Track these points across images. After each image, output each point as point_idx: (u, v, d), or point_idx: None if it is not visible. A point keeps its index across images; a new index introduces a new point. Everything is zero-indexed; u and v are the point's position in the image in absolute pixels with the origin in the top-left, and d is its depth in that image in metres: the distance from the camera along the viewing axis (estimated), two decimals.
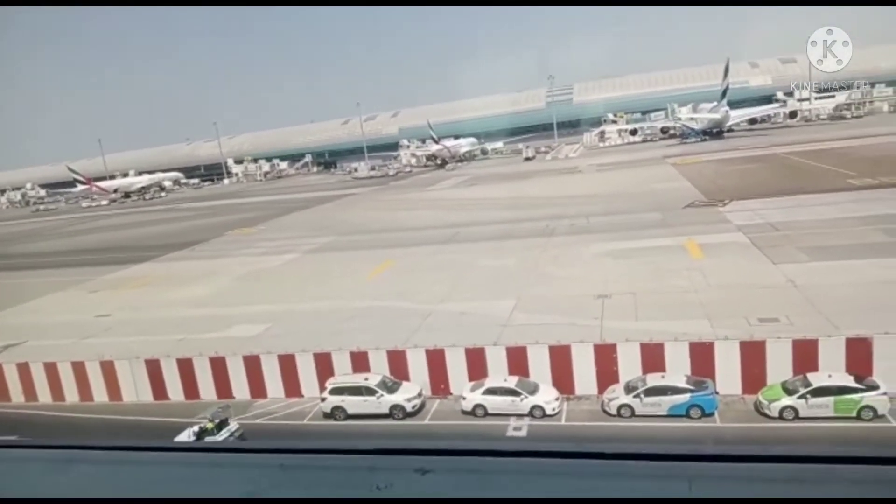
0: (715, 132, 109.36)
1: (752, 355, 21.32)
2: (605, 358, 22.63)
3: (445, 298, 32.75)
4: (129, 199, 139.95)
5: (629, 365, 22.20)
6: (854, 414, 19.25)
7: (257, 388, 25.72)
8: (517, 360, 23.43)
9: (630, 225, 44.86)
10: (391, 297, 34.19)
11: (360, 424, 22.98)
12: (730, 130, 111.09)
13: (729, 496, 1.74)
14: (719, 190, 54.66)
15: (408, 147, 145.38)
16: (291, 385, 25.41)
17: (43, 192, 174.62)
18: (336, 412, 23.44)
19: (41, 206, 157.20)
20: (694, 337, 22.56)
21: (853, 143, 74.54)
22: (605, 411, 21.48)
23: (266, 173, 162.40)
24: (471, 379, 23.35)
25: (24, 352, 31.30)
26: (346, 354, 25.01)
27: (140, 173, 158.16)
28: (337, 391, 23.54)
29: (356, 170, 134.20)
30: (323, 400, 23.71)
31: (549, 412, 21.70)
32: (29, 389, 28.20)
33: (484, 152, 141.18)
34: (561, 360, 22.99)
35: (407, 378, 24.17)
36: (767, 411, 19.94)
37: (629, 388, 21.24)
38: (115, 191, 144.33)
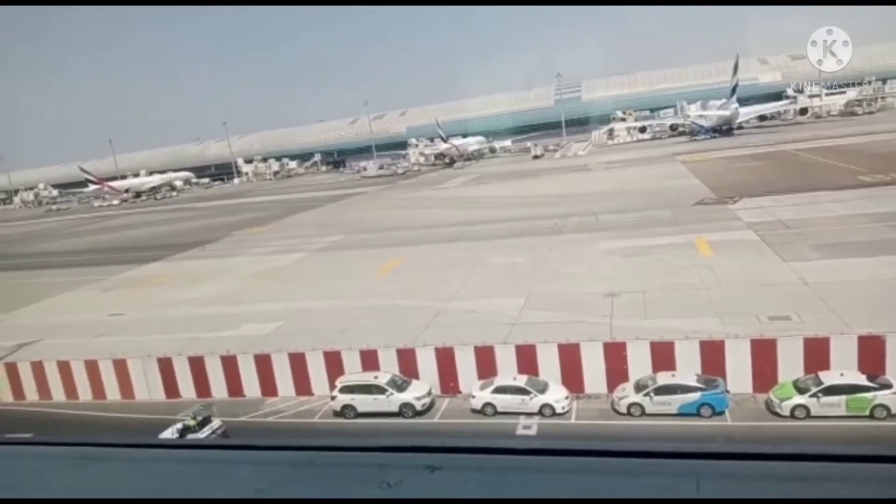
0: (724, 129, 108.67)
1: (763, 353, 21.23)
2: (615, 356, 22.59)
3: (454, 296, 32.77)
4: (140, 199, 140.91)
5: (639, 363, 22.16)
6: (867, 413, 19.12)
7: (268, 387, 25.88)
8: (526, 359, 23.44)
9: (639, 222, 44.69)
10: (400, 295, 34.26)
11: (370, 423, 23.07)
12: (739, 127, 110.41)
13: (738, 495, 1.73)
14: (729, 187, 54.35)
15: (416, 146, 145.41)
16: (302, 383, 25.55)
17: (55, 193, 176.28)
18: (346, 410, 23.54)
19: (54, 206, 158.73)
20: (704, 335, 22.48)
21: (864, 140, 73.90)
22: (615, 410, 21.45)
23: (276, 172, 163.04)
24: (480, 377, 23.39)
25: (38, 350, 31.62)
26: (356, 353, 25.11)
27: (151, 173, 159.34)
28: (347, 389, 23.64)
29: (365, 169, 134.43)
30: (333, 398, 23.81)
31: (558, 411, 21.70)
32: (43, 387, 28.52)
33: (492, 150, 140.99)
34: (570, 358, 22.99)
35: (416, 376, 24.25)
36: (779, 410, 19.84)
37: (639, 387, 21.20)
38: (127, 191, 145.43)
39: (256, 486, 1.99)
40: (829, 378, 19.77)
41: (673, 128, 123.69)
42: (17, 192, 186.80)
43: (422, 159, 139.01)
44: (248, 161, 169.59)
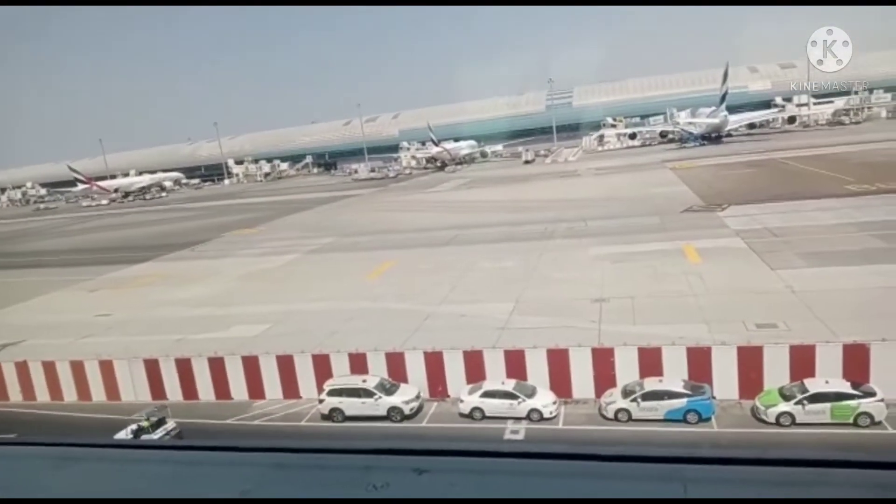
0: (714, 137, 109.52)
1: (750, 360, 21.38)
2: (603, 362, 22.67)
3: (444, 300, 32.81)
4: (129, 199, 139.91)
5: (627, 369, 22.25)
6: (851, 420, 19.30)
7: (256, 389, 25.74)
8: (515, 364, 23.48)
9: (628, 229, 44.94)
10: (391, 298, 34.25)
11: (358, 426, 23.01)
12: (728, 135, 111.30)
13: (723, 497, 1.75)
14: (717, 194, 54.78)
15: (408, 149, 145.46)
16: (290, 386, 25.44)
17: (43, 191, 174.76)
18: (334, 414, 23.47)
19: (41, 205, 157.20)
20: (692, 341, 22.63)
21: (851, 149, 74.73)
22: (602, 415, 21.53)
23: (267, 174, 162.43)
24: (469, 382, 23.40)
25: (23, 351, 31.31)
26: (344, 356, 25.05)
27: (141, 173, 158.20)
28: (335, 393, 23.57)
29: (356, 171, 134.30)
30: (321, 401, 23.73)
31: (546, 416, 21.74)
32: (27, 388, 28.21)
33: (484, 155, 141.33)
34: (559, 363, 23.05)
35: (405, 380, 24.21)
36: (764, 417, 19.98)
37: (627, 393, 21.30)
38: (116, 190, 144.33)
39: (242, 486, 1.99)
40: (814, 386, 19.94)
41: (662, 135, 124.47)
42: (4, 190, 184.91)
43: (413, 163, 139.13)
44: (239, 162, 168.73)
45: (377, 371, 24.39)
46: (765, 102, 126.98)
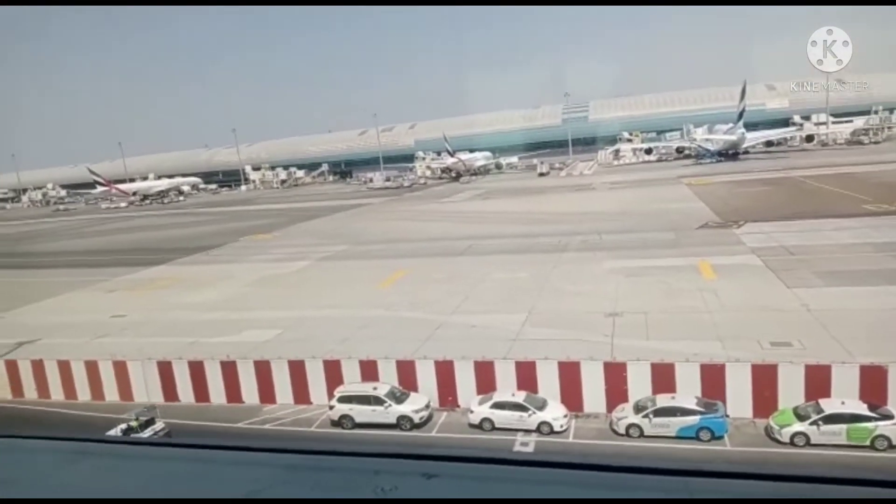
0: (730, 154, 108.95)
1: (764, 379, 21.13)
2: (615, 376, 22.52)
3: (457, 310, 32.78)
4: (147, 202, 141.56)
5: (639, 384, 22.07)
6: (867, 443, 18.98)
7: (267, 394, 25.83)
8: (526, 375, 23.38)
9: (643, 244, 44.72)
10: (403, 306, 34.28)
11: (368, 434, 22.99)
12: (745, 152, 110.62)
13: None
14: (734, 211, 54.38)
15: (423, 159, 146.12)
16: (301, 391, 25.50)
17: (63, 193, 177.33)
18: (343, 420, 23.46)
19: (61, 207, 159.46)
20: (705, 358, 22.43)
21: (870, 169, 73.97)
22: (613, 430, 21.34)
23: (283, 181, 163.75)
24: (479, 392, 23.32)
25: (38, 349, 31.68)
26: (355, 363, 25.08)
27: (159, 177, 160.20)
28: (345, 399, 23.58)
29: (371, 180, 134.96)
30: (331, 408, 23.75)
31: (556, 429, 21.59)
32: (42, 386, 28.51)
33: (498, 167, 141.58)
34: (570, 376, 22.92)
35: (415, 389, 24.18)
36: (778, 436, 19.72)
37: (638, 408, 21.11)
38: (135, 193, 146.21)
39: (250, 487, 2.01)
40: (829, 406, 19.65)
41: (679, 150, 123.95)
42: (25, 190, 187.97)
43: (428, 173, 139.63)
44: (256, 168, 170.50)
45: (388, 379, 24.38)
46: (782, 120, 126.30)
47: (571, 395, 22.73)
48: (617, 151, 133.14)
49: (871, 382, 20.19)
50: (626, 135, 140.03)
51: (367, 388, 23.85)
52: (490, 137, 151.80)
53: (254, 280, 45.49)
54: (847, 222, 44.69)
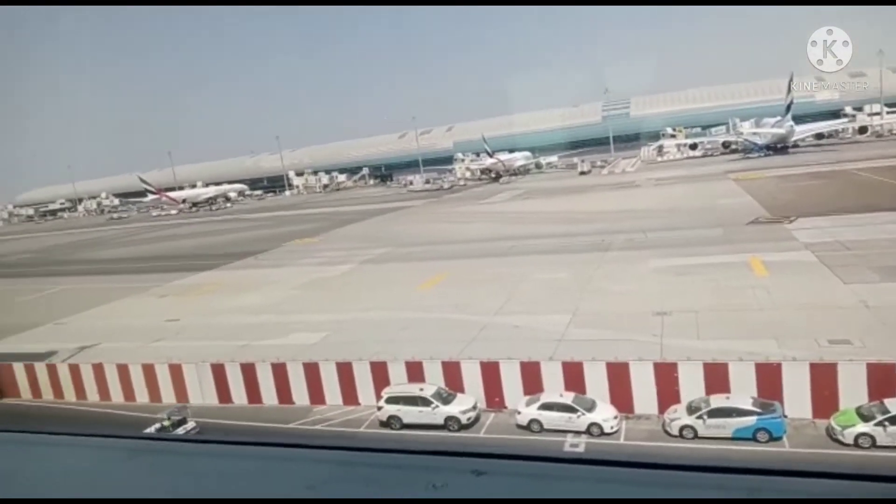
0: (779, 147, 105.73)
1: (823, 378, 20.39)
2: (666, 377, 22.07)
3: (499, 311, 32.70)
4: (196, 209, 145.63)
5: (691, 385, 21.57)
6: None
7: (316, 395, 26.23)
8: (573, 376, 23.13)
9: (690, 241, 43.77)
10: (446, 308, 34.38)
11: (416, 434, 23.10)
12: (795, 146, 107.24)
13: None
14: (784, 206, 52.72)
15: (462, 160, 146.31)
16: (349, 392, 25.82)
17: (116, 202, 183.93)
18: (392, 421, 23.65)
19: (114, 215, 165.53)
20: (760, 357, 21.82)
21: None
22: (666, 432, 20.92)
23: (325, 186, 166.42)
24: (526, 393, 23.18)
25: (98, 353, 32.95)
26: (401, 364, 25.25)
27: (207, 184, 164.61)
28: (393, 400, 23.76)
29: (411, 183, 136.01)
30: (379, 409, 23.97)
31: (607, 430, 21.31)
32: (103, 389, 29.60)
33: (538, 166, 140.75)
34: (619, 377, 22.57)
35: (462, 390, 24.20)
36: (841, 437, 19.00)
37: (692, 409, 20.65)
38: (184, 201, 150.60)
39: (305, 483, 2.06)
40: None
41: (725, 145, 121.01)
42: (80, 200, 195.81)
43: (468, 174, 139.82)
44: (299, 174, 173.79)
45: (433, 380, 24.46)
46: (833, 112, 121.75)
47: (621, 397, 22.39)
48: (660, 148, 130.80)
49: None
50: (669, 130, 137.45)
51: (413, 389, 23.98)
52: (529, 137, 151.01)
53: (299, 284, 46.30)
54: None
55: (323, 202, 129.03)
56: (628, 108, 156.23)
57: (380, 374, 25.30)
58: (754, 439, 19.53)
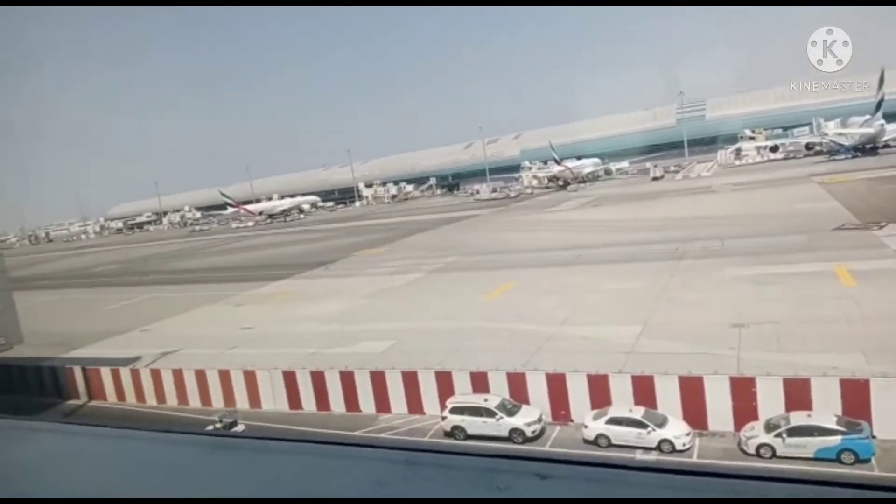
0: (868, 148, 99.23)
1: None
2: (743, 392, 21.03)
3: (566, 322, 32.17)
4: (272, 221, 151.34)
5: (770, 401, 20.48)
6: None
7: (382, 403, 26.59)
8: (643, 390, 22.41)
9: (770, 248, 41.69)
10: (512, 318, 34.14)
11: (480, 445, 23.00)
12: (886, 146, 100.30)
13: None
14: (874, 211, 49.31)
15: (529, 168, 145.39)
16: (414, 402, 26.02)
17: (198, 215, 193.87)
18: (456, 432, 23.60)
19: (196, 227, 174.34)
20: (846, 373, 20.45)
21: None
22: (742, 450, 19.93)
23: (393, 196, 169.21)
24: (593, 407, 22.64)
25: (178, 359, 34.66)
26: (466, 374, 25.21)
27: (282, 197, 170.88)
28: (457, 411, 23.74)
29: (478, 192, 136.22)
30: (443, 418, 24.02)
31: (678, 447, 20.50)
32: (182, 394, 31.10)
33: (608, 172, 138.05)
34: (692, 392, 21.69)
35: (526, 401, 23.90)
36: None
37: (770, 427, 19.58)
38: (260, 213, 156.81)
39: (372, 480, 2.15)
40: None
41: (809, 147, 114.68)
42: (165, 213, 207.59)
43: (535, 182, 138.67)
44: (369, 185, 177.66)
45: (498, 391, 24.30)
46: None
47: (694, 412, 21.49)
48: (738, 150, 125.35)
49: None
50: (748, 132, 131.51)
51: (478, 400, 23.89)
52: (598, 143, 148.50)
53: (368, 293, 47.17)
54: None
55: (391, 212, 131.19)
56: (704, 110, 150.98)
57: (444, 384, 25.36)
58: (838, 460, 18.30)
